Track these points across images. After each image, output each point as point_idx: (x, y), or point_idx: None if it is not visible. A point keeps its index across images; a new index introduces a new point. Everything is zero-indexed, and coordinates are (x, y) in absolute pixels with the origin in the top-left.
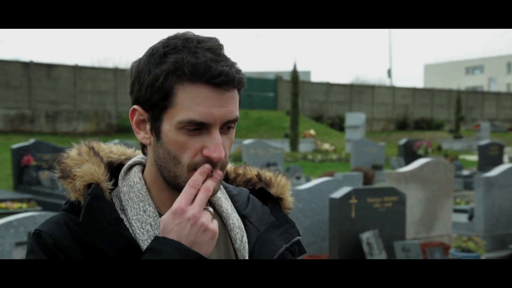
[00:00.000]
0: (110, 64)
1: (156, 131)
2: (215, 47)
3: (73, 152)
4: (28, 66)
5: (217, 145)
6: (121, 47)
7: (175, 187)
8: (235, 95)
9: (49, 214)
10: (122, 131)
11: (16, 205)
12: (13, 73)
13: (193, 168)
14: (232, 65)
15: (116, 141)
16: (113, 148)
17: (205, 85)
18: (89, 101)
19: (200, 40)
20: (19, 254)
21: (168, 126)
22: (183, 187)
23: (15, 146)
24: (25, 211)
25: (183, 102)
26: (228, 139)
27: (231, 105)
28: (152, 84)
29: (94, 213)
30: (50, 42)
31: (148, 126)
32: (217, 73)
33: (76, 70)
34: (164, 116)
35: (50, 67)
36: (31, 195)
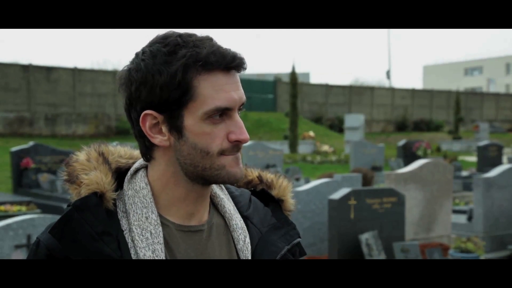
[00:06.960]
0: (109, 67)
1: (176, 129)
2: (210, 37)
3: (82, 157)
4: (27, 69)
5: (241, 127)
6: (120, 50)
7: (203, 179)
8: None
9: (48, 217)
10: (122, 133)
11: (16, 208)
12: (12, 76)
13: (221, 154)
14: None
15: (115, 143)
16: (121, 152)
17: (221, 71)
18: (89, 103)
19: (191, 34)
20: (18, 256)
21: (191, 121)
22: (214, 176)
23: (14, 149)
24: (25, 213)
25: (206, 92)
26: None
27: (241, 87)
28: (169, 83)
29: (71, 225)
30: (49, 45)
31: (164, 128)
32: (231, 58)
33: (75, 72)
34: (185, 111)
35: (49, 69)
36: (31, 198)
